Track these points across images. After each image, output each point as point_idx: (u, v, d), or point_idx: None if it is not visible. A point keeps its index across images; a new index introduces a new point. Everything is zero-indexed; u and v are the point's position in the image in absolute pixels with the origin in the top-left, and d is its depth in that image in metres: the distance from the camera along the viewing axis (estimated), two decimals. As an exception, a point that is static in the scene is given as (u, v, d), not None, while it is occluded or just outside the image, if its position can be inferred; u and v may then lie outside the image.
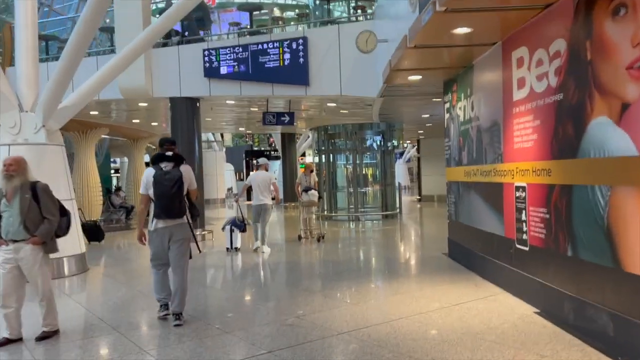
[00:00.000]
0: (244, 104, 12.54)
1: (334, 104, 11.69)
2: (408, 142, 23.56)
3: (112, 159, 27.40)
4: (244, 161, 30.35)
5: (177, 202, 4.67)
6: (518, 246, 5.30)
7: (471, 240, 6.92)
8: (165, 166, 4.72)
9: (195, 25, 11.35)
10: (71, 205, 7.84)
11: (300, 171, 24.56)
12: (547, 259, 4.70)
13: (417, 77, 7.60)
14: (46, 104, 7.45)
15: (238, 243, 9.41)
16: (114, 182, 27.70)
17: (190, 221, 4.86)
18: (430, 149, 21.72)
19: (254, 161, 9.99)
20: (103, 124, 16.85)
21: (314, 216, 10.98)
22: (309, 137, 24.16)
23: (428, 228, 13.37)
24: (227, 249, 9.37)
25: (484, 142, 6.27)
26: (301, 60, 10.01)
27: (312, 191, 10.52)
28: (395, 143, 15.44)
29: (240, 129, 20.68)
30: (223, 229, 9.53)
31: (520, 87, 5.16)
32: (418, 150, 22.53)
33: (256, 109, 13.10)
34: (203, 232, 11.32)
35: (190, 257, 4.97)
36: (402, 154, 33.09)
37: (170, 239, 4.73)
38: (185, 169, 4.80)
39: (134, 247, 10.58)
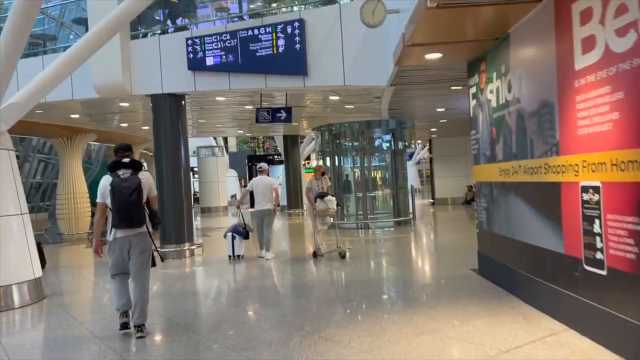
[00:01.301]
0: (237, 101, 11.20)
1: (337, 97, 10.30)
2: (419, 142, 22.14)
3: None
4: (247, 167, 29.10)
5: (136, 211, 4.53)
6: (588, 268, 3.87)
7: (512, 256, 5.49)
8: (123, 173, 4.60)
9: (179, 10, 10.05)
10: (21, 222, 6.53)
11: (306, 176, 23.20)
12: (641, 289, 3.27)
13: (436, 56, 6.20)
14: (-17, 99, 6.16)
15: (241, 251, 9.09)
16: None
17: (151, 230, 4.75)
18: (443, 149, 20.34)
19: (257, 166, 9.40)
20: (90, 130, 15.63)
21: (324, 228, 9.38)
22: (312, 140, 22.85)
23: (448, 237, 11.89)
24: (230, 257, 9.03)
25: (529, 131, 4.85)
26: (298, 46, 8.64)
27: (329, 197, 8.64)
28: (407, 142, 13.99)
29: (239, 131, 19.32)
30: (225, 236, 9.17)
31: (587, 49, 3.74)
32: (430, 151, 21.11)
33: (251, 107, 11.75)
34: (192, 247, 9.95)
35: (154, 265, 4.85)
36: (411, 155, 31.64)
37: (130, 249, 4.63)
38: (144, 176, 4.70)
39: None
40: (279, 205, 9.31)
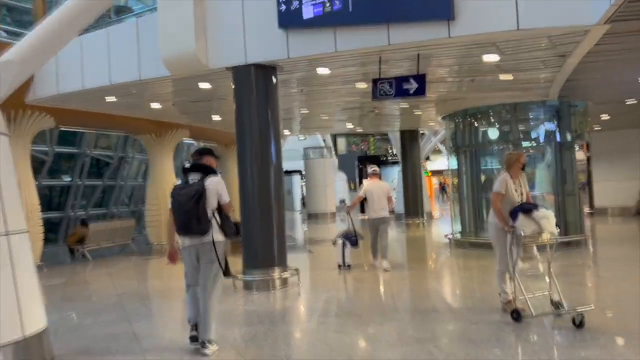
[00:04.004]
0: (345, 75, 8.27)
1: (497, 58, 6.93)
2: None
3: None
4: (357, 169, 26.41)
5: (194, 219, 4.31)
6: None
7: None
8: (192, 178, 4.49)
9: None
10: (6, 246, 4.16)
11: (425, 179, 19.65)
12: None
13: None
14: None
15: (350, 259, 8.52)
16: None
17: (220, 239, 4.46)
18: (607, 144, 15.91)
19: (371, 169, 8.63)
20: (182, 125, 13.76)
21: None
22: (431, 138, 19.48)
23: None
24: (339, 265, 8.51)
25: None
26: (439, -26, 5.57)
27: (543, 211, 4.92)
28: (578, 133, 10.19)
29: (349, 125, 16.42)
30: (334, 243, 8.73)
31: None
32: (588, 148, 16.75)
33: (365, 86, 8.78)
34: (283, 274, 7.23)
35: (228, 275, 4.61)
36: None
37: (198, 259, 4.50)
38: (213, 181, 4.46)
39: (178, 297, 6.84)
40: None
